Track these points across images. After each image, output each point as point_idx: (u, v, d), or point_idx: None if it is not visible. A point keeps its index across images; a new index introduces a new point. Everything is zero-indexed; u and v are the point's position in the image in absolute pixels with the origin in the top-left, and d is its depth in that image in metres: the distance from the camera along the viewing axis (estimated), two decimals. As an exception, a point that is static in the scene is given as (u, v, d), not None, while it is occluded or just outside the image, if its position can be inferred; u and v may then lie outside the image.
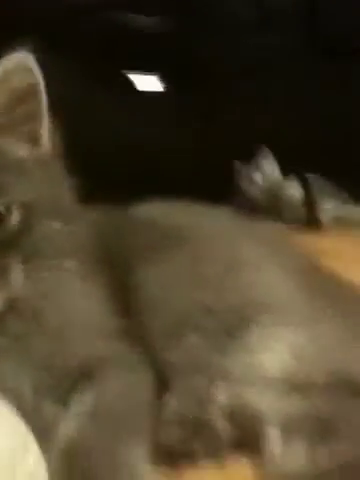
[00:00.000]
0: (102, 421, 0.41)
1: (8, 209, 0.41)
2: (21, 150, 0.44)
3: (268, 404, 0.45)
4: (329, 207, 1.12)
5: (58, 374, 0.44)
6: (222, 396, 0.46)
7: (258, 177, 1.13)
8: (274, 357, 0.47)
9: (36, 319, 0.44)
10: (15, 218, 0.42)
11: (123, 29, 1.03)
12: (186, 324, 0.48)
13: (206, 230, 0.55)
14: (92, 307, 0.47)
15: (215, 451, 0.44)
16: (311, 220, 1.07)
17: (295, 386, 0.46)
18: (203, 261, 0.51)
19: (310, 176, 1.11)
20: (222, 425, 0.45)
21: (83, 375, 0.44)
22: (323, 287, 0.54)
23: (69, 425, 0.41)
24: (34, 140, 0.44)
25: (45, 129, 0.45)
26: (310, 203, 1.09)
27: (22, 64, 0.42)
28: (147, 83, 1.23)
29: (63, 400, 0.43)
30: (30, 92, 0.43)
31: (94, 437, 0.40)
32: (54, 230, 0.44)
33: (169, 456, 0.43)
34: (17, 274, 0.42)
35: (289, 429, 0.43)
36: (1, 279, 0.41)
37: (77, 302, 0.45)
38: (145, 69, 1.12)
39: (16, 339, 0.43)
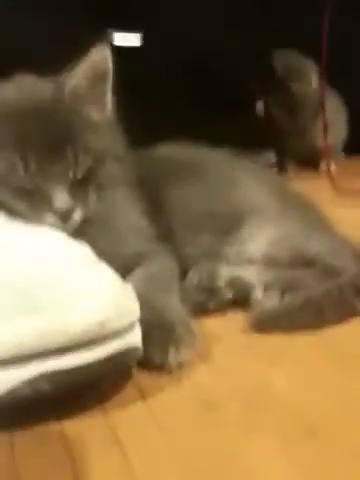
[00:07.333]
0: (151, 283, 0.62)
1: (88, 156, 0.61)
2: (96, 114, 0.63)
3: (253, 275, 0.70)
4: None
5: (117, 263, 0.63)
6: (225, 272, 0.70)
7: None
8: (257, 245, 0.72)
9: (104, 226, 0.65)
10: (92, 161, 0.62)
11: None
12: (199, 226, 0.73)
13: (211, 162, 0.80)
14: (139, 218, 0.69)
15: (222, 307, 0.68)
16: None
17: (270, 262, 0.71)
18: (210, 183, 0.76)
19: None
20: (226, 290, 0.69)
21: (134, 263, 0.66)
22: (292, 200, 0.80)
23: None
24: (103, 107, 0.64)
25: (110, 99, 0.65)
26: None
27: (104, 54, 0.61)
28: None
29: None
30: (106, 74, 0.63)
31: (148, 292, 0.59)
32: (114, 169, 0.65)
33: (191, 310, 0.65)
34: (92, 197, 0.63)
35: (268, 287, 0.67)
36: (84, 201, 0.62)
37: (130, 215, 0.68)
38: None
39: (90, 240, 0.63)
